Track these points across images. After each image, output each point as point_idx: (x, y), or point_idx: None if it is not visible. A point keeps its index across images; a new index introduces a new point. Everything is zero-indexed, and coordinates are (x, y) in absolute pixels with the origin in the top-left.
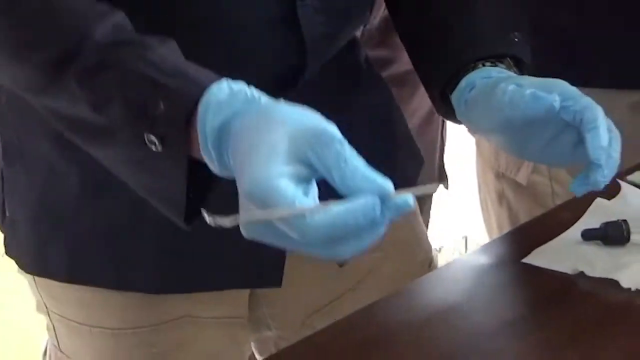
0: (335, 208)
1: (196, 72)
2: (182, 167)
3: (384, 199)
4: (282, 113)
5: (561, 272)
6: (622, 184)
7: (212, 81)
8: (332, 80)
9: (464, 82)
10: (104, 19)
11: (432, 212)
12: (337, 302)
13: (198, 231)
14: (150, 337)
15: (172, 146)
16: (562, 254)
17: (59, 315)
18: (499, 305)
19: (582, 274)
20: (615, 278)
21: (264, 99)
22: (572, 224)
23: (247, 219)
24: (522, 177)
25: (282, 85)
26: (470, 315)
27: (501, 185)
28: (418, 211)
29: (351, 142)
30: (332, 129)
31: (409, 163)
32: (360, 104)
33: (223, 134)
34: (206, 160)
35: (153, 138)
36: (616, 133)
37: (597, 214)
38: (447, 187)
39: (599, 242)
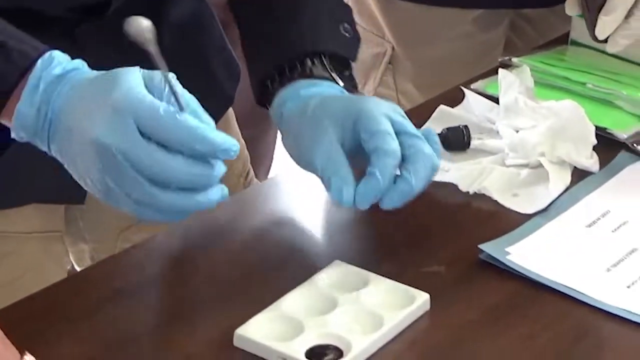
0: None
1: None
2: None
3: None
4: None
5: None
6: (466, 91)
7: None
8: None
9: (277, 98)
10: None
11: None
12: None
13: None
14: None
15: None
16: None
17: None
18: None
19: None
20: (455, 182)
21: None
22: None
23: None
24: (368, 90)
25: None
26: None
27: None
28: (232, 120)
29: (163, 53)
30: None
31: (223, 71)
32: (170, 14)
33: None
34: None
35: None
36: (423, 156)
37: (441, 121)
38: None
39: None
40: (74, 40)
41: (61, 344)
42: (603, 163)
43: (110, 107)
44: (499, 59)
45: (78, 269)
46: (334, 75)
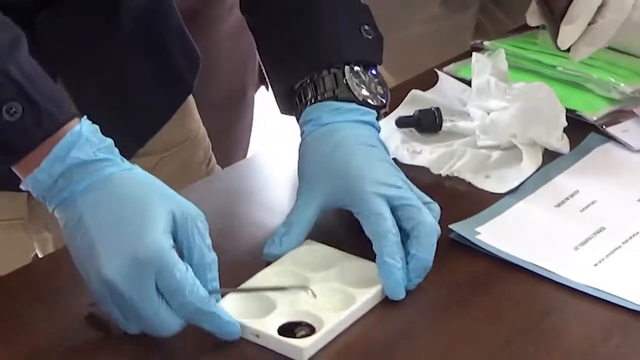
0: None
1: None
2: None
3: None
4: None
5: None
6: (439, 74)
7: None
8: None
9: (303, 115)
10: None
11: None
12: None
13: None
14: None
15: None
16: None
17: None
18: None
19: (395, 160)
20: (427, 165)
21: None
22: (389, 114)
23: None
24: None
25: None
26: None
27: None
28: (192, 108)
29: (121, 45)
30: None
31: (183, 59)
32: (128, 1)
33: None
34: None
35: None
36: (424, 226)
37: (413, 104)
38: (267, 89)
39: (413, 129)
40: (33, 30)
41: (36, 323)
42: (573, 144)
43: (133, 257)
44: (471, 43)
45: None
46: (356, 93)
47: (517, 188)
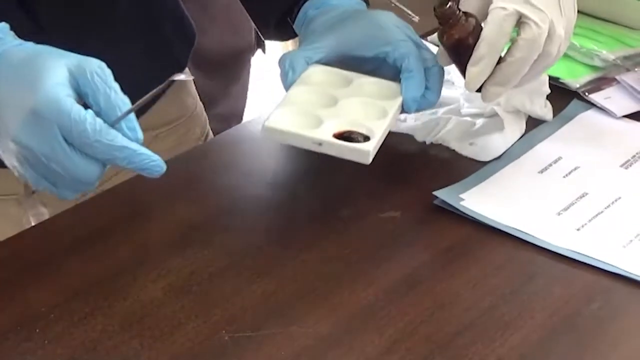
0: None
1: None
2: None
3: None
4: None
5: None
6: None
7: None
8: None
9: (304, 8)
10: None
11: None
12: (109, 183)
13: None
14: None
15: None
16: None
17: None
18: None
19: None
20: (411, 133)
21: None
22: None
23: None
24: None
25: None
26: (250, 176)
27: None
28: (188, 84)
29: (117, 23)
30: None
31: (178, 36)
32: None
33: None
34: None
35: None
36: (437, 69)
37: None
38: (264, 52)
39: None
40: (32, 10)
41: (26, 292)
42: (556, 111)
43: (32, 112)
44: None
45: None
46: None
47: (501, 155)
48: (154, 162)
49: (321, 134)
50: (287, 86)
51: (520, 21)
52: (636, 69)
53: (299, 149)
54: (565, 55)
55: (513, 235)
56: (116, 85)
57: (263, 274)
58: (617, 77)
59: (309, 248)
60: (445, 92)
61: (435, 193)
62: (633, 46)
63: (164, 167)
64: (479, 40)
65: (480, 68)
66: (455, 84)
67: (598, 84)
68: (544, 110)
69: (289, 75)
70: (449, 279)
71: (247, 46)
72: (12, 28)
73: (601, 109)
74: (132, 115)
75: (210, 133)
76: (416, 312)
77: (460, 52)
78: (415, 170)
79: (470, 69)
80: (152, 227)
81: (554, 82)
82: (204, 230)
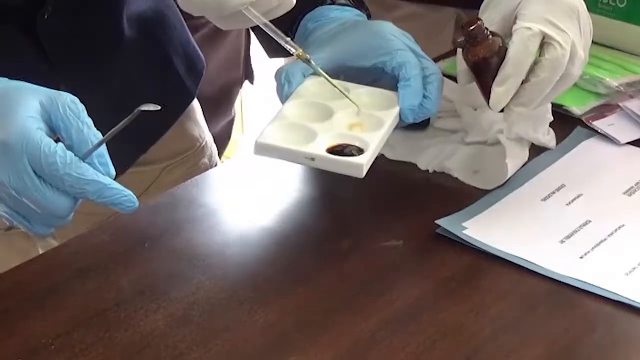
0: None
1: None
2: None
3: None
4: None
5: None
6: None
7: None
8: None
9: (304, 21)
10: None
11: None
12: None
13: None
14: None
15: None
16: None
17: None
18: (299, 185)
19: (382, 156)
20: (413, 161)
21: None
22: None
23: None
24: None
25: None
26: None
27: None
28: (196, 114)
29: (123, 52)
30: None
31: (186, 67)
32: (130, 8)
33: None
34: None
35: None
36: (435, 77)
37: None
38: (252, 83)
39: (400, 126)
40: (37, 36)
41: (27, 323)
42: (559, 139)
43: (2, 144)
44: (457, 40)
45: None
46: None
47: (503, 182)
48: (126, 197)
49: (314, 148)
50: (283, 99)
51: (544, 42)
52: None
53: (298, 176)
54: None
55: (515, 264)
56: (89, 120)
57: (264, 305)
58: (621, 104)
59: (310, 279)
60: (450, 120)
61: (437, 222)
62: (637, 72)
63: (136, 202)
64: (506, 59)
65: (506, 88)
66: (458, 112)
67: (601, 111)
68: (546, 137)
69: (284, 89)
70: (451, 308)
71: (236, 80)
72: (24, 70)
73: (604, 136)
74: (105, 151)
75: (218, 162)
76: (418, 342)
77: (483, 70)
78: (418, 199)
79: (496, 89)
80: (153, 257)
81: (557, 109)
82: (205, 260)
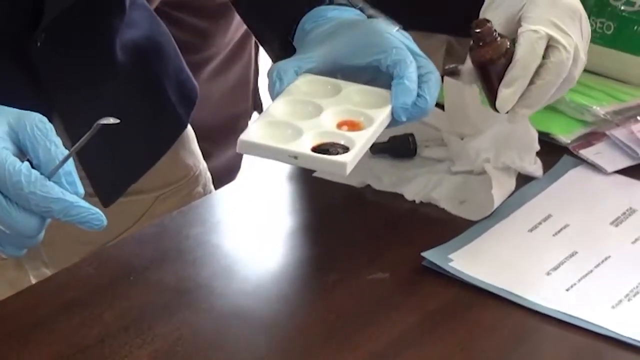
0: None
1: None
2: None
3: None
4: None
5: (349, 185)
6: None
7: None
8: (83, 18)
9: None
10: None
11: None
12: (114, 241)
13: None
14: None
15: None
16: None
17: None
18: (289, 213)
19: (369, 187)
20: (400, 192)
21: None
22: None
23: None
24: None
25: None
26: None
27: None
28: (189, 142)
29: (116, 79)
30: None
31: (179, 96)
32: (124, 37)
33: None
34: None
35: None
36: (432, 75)
37: (387, 129)
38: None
39: (387, 155)
40: (30, 63)
41: (11, 358)
42: (546, 167)
43: None
44: (446, 67)
45: None
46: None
47: (490, 213)
48: (93, 215)
49: (297, 146)
50: (274, 97)
51: (549, 44)
52: (627, 124)
53: (285, 206)
54: (556, 110)
55: (501, 296)
56: (57, 139)
57: (250, 339)
58: (607, 132)
59: (295, 312)
60: (436, 149)
61: (423, 254)
62: (624, 100)
63: (104, 220)
64: (513, 61)
65: (513, 89)
66: (445, 141)
67: (588, 139)
68: (533, 167)
69: (276, 86)
70: (437, 342)
71: (245, 111)
72: (16, 97)
73: (591, 165)
74: (73, 170)
75: (213, 190)
76: None
77: (489, 71)
78: (405, 230)
79: (503, 90)
80: (139, 291)
81: (544, 138)
82: (191, 294)
